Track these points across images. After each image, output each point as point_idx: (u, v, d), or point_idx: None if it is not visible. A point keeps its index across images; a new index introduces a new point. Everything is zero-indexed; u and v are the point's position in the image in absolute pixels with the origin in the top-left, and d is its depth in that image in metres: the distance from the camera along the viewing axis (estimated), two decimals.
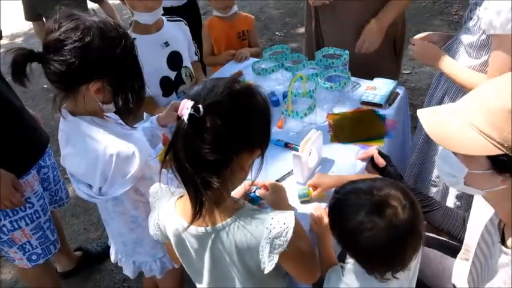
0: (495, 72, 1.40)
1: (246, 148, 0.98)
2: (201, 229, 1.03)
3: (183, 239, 1.09)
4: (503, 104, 0.90)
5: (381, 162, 1.46)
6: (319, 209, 1.36)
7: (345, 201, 1.06)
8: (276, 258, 0.98)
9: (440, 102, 1.73)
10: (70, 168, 1.36)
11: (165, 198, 1.13)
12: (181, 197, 1.10)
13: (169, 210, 1.10)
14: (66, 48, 1.13)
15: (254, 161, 1.03)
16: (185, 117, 0.89)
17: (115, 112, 1.32)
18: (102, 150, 1.24)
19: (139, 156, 1.27)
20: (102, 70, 1.18)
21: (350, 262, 1.14)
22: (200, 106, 0.89)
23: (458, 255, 1.30)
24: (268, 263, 0.99)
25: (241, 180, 1.06)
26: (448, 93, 1.69)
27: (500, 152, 0.91)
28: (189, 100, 0.90)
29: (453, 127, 0.98)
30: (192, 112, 0.88)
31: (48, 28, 1.18)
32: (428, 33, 1.81)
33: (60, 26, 1.15)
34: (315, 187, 1.44)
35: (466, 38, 1.56)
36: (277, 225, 0.97)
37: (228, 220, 1.01)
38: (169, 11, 2.42)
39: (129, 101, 1.25)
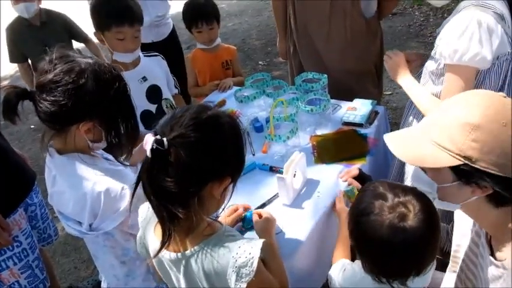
0: (447, 97, 1.44)
1: (214, 178, 0.98)
2: (174, 255, 1.05)
3: (162, 261, 1.10)
4: (457, 117, 0.96)
5: (355, 186, 1.49)
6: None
7: (371, 188, 1.10)
8: (243, 286, 0.98)
9: (411, 122, 1.79)
10: (58, 206, 1.36)
11: (150, 219, 1.15)
12: None
13: (151, 232, 1.12)
14: (59, 89, 1.15)
15: (228, 188, 1.02)
16: (147, 153, 0.90)
17: (105, 149, 1.33)
18: (90, 188, 1.24)
19: (128, 190, 1.28)
20: (93, 112, 1.19)
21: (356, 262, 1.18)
22: (164, 139, 0.90)
23: (448, 268, 1.32)
24: None
25: (216, 207, 1.06)
26: (417, 114, 1.76)
27: (459, 162, 0.95)
28: (151, 135, 0.91)
29: (415, 145, 1.03)
30: (155, 147, 0.89)
31: (42, 69, 1.19)
32: (408, 51, 1.86)
33: (55, 67, 1.17)
34: None
35: (429, 65, 1.62)
36: (243, 254, 0.98)
37: (197, 247, 1.02)
38: (150, 47, 2.49)
39: (120, 140, 1.26)
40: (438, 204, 1.09)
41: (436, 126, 1.01)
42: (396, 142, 1.10)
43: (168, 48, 2.87)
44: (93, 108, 1.19)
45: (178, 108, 1.02)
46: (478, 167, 0.93)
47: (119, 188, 1.26)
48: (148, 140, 0.90)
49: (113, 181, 1.26)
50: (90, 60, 1.21)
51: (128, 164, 1.38)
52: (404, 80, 1.67)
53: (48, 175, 1.35)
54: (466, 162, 0.94)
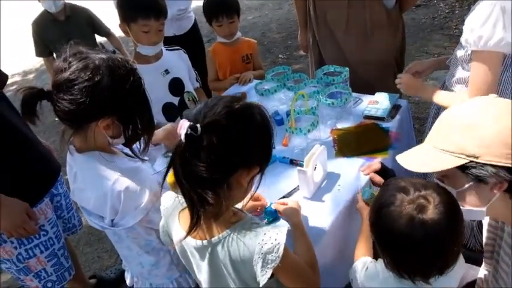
0: (473, 83, 1.49)
1: (243, 166, 1.00)
2: (199, 242, 1.07)
3: (185, 250, 1.13)
4: (456, 119, 0.99)
5: (378, 180, 1.48)
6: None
7: (393, 182, 1.12)
8: (269, 272, 1.01)
9: (437, 113, 1.76)
10: (80, 202, 1.39)
11: (173, 207, 1.17)
12: (184, 209, 1.12)
13: (174, 220, 1.14)
14: (75, 87, 1.15)
15: (255, 177, 1.05)
16: (182, 137, 0.93)
17: (124, 144, 1.34)
18: (110, 187, 1.25)
19: (148, 189, 1.30)
20: (111, 107, 1.20)
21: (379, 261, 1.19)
22: (198, 125, 0.92)
23: (482, 267, 1.30)
24: (261, 277, 1.01)
25: (242, 195, 1.08)
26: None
27: (464, 161, 0.96)
28: (186, 120, 0.94)
29: (420, 152, 1.07)
30: (189, 132, 0.92)
31: (57, 67, 1.20)
32: (411, 65, 1.91)
33: (70, 65, 1.17)
34: None
35: (458, 52, 1.64)
36: (269, 241, 1.00)
37: (224, 233, 1.04)
38: (172, 40, 2.51)
39: (138, 134, 1.27)
40: (465, 214, 1.07)
41: (438, 133, 1.04)
42: (405, 155, 1.14)
43: (190, 42, 2.89)
44: (111, 104, 1.19)
45: (211, 99, 1.04)
46: (484, 161, 0.94)
47: (138, 186, 1.28)
48: (183, 125, 0.93)
49: (132, 180, 1.28)
50: (103, 56, 1.20)
51: (147, 158, 1.39)
52: (426, 93, 1.73)
53: (69, 172, 1.38)
54: (471, 159, 0.95)
